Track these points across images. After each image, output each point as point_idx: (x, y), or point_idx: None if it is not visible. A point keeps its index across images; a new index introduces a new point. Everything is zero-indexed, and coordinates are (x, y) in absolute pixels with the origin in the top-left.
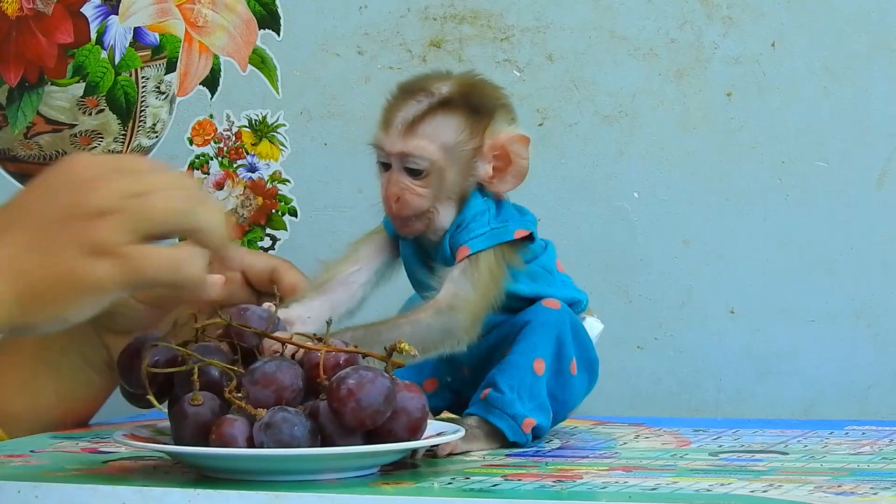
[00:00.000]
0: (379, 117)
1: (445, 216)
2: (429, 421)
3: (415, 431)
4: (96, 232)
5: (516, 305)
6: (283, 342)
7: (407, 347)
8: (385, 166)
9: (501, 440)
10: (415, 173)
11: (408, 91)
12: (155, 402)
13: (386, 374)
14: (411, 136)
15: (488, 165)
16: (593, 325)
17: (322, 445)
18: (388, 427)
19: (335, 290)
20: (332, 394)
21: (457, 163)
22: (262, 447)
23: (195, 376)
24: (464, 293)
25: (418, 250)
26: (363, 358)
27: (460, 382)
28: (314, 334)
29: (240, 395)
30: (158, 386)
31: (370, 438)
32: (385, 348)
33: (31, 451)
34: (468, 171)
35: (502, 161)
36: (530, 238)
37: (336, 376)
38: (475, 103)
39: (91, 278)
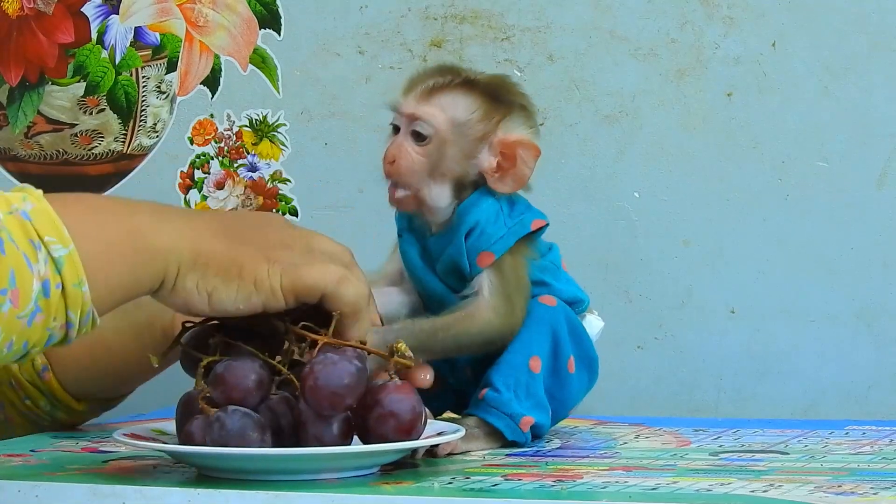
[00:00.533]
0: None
1: (438, 196)
2: (429, 421)
3: (407, 433)
4: (275, 251)
5: None
6: (291, 330)
7: (403, 348)
8: (396, 129)
9: (501, 440)
10: (419, 138)
11: (439, 69)
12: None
13: (357, 362)
14: (425, 102)
15: (493, 159)
16: (594, 323)
17: (296, 431)
18: (379, 430)
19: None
20: (301, 375)
21: (461, 141)
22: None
23: (203, 364)
24: (502, 305)
25: (421, 251)
26: (368, 355)
27: (463, 382)
28: (324, 330)
29: (208, 395)
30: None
31: (365, 440)
32: (387, 347)
33: (31, 451)
34: (470, 153)
35: (508, 161)
36: (543, 229)
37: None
38: (496, 93)
39: (257, 273)
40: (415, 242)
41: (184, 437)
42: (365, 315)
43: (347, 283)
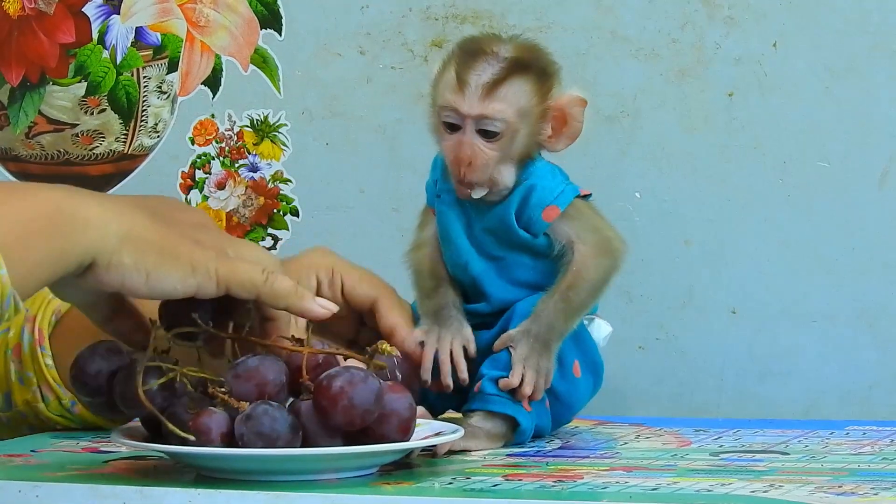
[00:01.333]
0: (446, 78)
1: (507, 176)
2: (428, 421)
3: (406, 431)
4: (197, 233)
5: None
6: (262, 344)
7: (388, 349)
8: (451, 127)
9: (502, 440)
10: (489, 136)
11: (473, 52)
12: (176, 430)
13: (374, 376)
14: (490, 99)
15: (548, 126)
16: (602, 328)
17: (303, 445)
18: (380, 431)
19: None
20: (323, 392)
21: (528, 125)
22: (243, 440)
23: (181, 374)
24: (597, 236)
25: (462, 217)
26: (345, 360)
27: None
28: (292, 336)
29: (223, 389)
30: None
31: (360, 440)
32: (367, 349)
33: (31, 451)
34: (536, 133)
35: (559, 122)
36: (588, 197)
37: (325, 374)
38: (542, 67)
39: (191, 255)
40: (454, 204)
41: (196, 428)
42: (299, 300)
43: (274, 279)
